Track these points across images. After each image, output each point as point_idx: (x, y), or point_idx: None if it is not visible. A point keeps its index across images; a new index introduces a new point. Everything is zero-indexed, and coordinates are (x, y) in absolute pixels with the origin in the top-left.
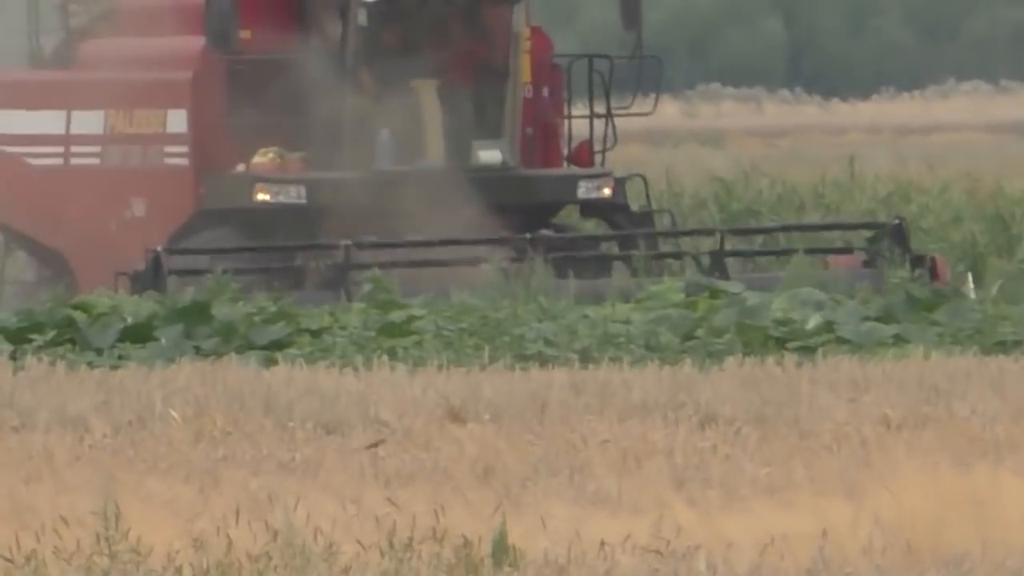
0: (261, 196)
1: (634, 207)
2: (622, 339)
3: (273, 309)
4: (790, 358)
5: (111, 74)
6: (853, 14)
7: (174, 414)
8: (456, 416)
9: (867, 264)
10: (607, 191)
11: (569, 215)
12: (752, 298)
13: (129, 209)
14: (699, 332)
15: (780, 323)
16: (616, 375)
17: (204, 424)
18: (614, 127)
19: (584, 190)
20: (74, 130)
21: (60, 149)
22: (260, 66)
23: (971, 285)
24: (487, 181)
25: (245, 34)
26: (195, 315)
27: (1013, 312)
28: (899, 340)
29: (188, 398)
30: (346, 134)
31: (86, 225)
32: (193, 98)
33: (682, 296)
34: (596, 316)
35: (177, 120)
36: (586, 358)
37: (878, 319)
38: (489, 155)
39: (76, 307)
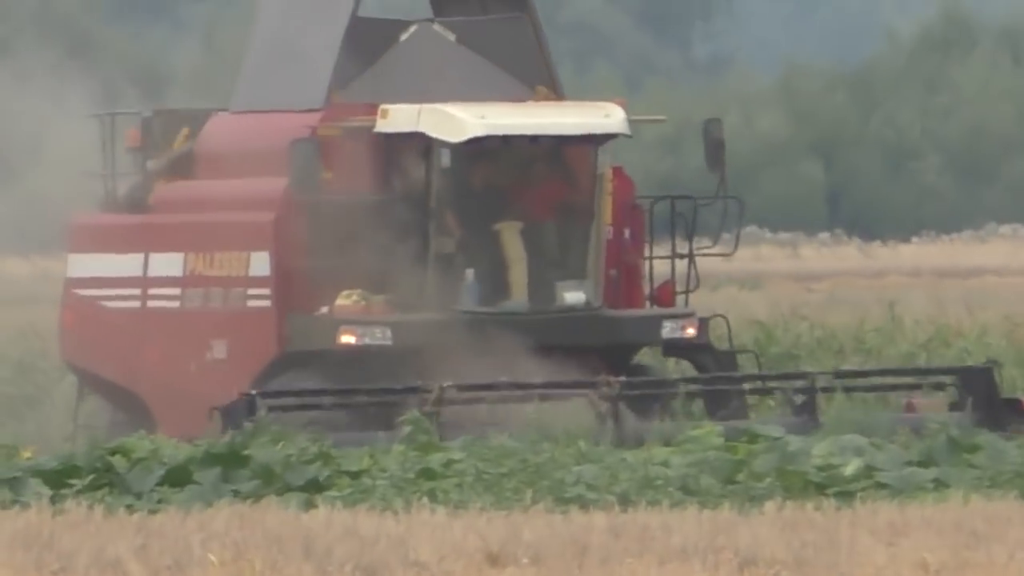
0: (345, 338)
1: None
2: (661, 483)
3: (312, 451)
4: (829, 503)
5: (191, 217)
6: (892, 157)
7: (212, 558)
8: (495, 560)
9: (953, 407)
10: (691, 331)
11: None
12: (793, 443)
13: (210, 351)
14: (739, 476)
15: (820, 468)
16: (655, 518)
17: (242, 568)
18: (696, 268)
19: (668, 330)
20: (152, 273)
21: (137, 292)
22: (343, 207)
23: None
24: (572, 322)
25: (327, 176)
26: (232, 458)
27: None
28: (938, 484)
29: (226, 542)
30: (430, 276)
31: (165, 368)
32: (276, 240)
33: (722, 440)
34: (635, 459)
35: (260, 262)
36: (625, 501)
37: (918, 463)
38: (574, 296)
39: (114, 451)
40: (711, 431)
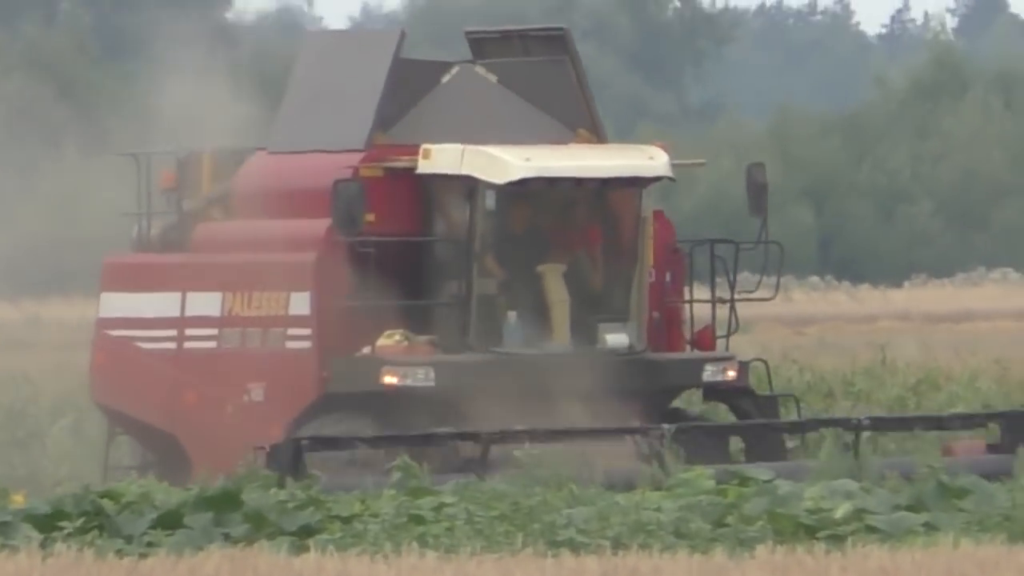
0: (388, 379)
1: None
2: (653, 526)
3: (303, 496)
4: (820, 546)
5: (230, 256)
6: (883, 202)
7: None
8: None
9: (992, 449)
10: (732, 374)
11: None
12: (783, 486)
13: (247, 393)
14: (730, 520)
15: (811, 512)
16: (647, 562)
17: None
18: (736, 312)
19: (710, 373)
20: (189, 313)
21: (173, 332)
22: (385, 248)
23: None
24: (614, 365)
25: (369, 217)
26: (224, 502)
27: None
28: (929, 528)
29: None
30: (473, 317)
31: (202, 410)
32: (317, 280)
33: (713, 483)
34: (627, 503)
35: (300, 302)
36: (617, 545)
37: (908, 507)
38: (616, 339)
39: (104, 495)
40: (702, 474)
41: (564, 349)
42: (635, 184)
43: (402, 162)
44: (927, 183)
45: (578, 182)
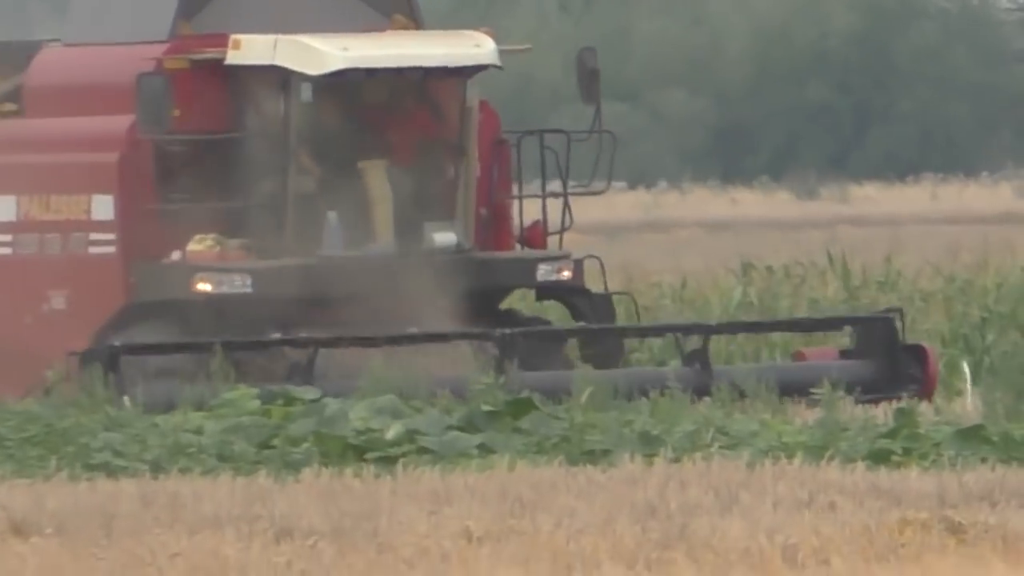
0: (202, 286)
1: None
2: (193, 449)
3: None
4: (370, 469)
5: (25, 157)
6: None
7: None
8: (18, 530)
9: (844, 355)
10: (567, 274)
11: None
12: (331, 406)
13: (47, 302)
14: (276, 441)
15: (360, 432)
16: (187, 486)
17: None
18: (569, 207)
19: (543, 272)
20: None
21: None
22: (193, 147)
23: (968, 380)
24: (441, 265)
25: (175, 112)
26: None
27: (600, 420)
28: (484, 450)
29: None
30: (290, 219)
31: None
32: (120, 182)
33: (257, 404)
34: (166, 425)
35: (103, 206)
36: (156, 468)
37: (461, 428)
38: (443, 237)
39: None
40: (246, 394)
41: (388, 250)
42: (460, 73)
43: (210, 53)
44: (486, 89)
45: (399, 72)
